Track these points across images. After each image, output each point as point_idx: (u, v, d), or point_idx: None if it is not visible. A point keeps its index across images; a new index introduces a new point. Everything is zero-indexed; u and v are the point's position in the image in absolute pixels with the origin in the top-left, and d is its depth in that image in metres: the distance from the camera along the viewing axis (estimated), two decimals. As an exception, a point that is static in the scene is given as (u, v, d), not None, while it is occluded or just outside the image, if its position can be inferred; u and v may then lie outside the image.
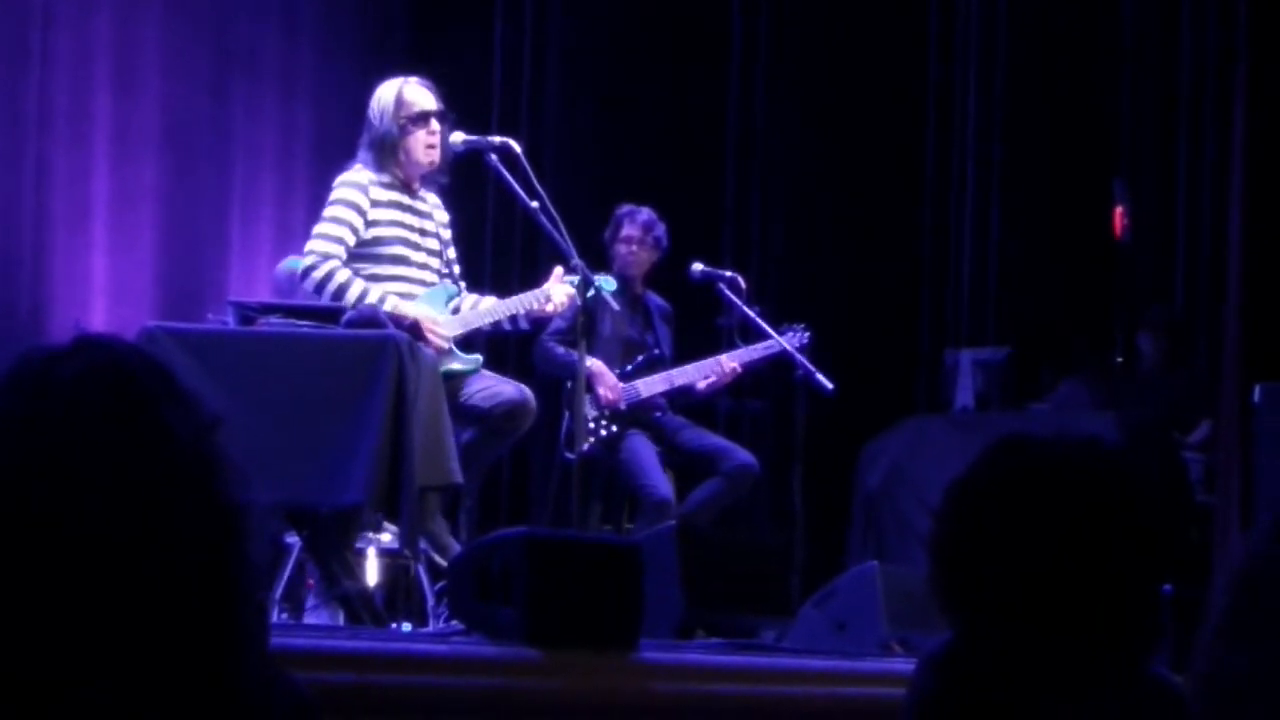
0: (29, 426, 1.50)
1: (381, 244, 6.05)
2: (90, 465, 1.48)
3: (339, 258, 5.96)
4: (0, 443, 1.50)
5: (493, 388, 6.01)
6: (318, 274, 5.92)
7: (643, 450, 7.27)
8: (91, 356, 1.54)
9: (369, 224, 6.03)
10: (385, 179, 6.10)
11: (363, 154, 6.14)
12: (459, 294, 6.17)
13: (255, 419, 5.04)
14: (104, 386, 1.52)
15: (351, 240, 6.00)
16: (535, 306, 6.21)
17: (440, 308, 6.01)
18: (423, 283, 6.11)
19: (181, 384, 1.57)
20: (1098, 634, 2.09)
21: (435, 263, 6.18)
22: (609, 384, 7.30)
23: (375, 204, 6.05)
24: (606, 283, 6.51)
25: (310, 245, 6.02)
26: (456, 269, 6.31)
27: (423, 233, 6.15)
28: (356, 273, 5.99)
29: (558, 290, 6.18)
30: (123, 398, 1.52)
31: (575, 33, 9.41)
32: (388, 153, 6.09)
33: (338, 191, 6.06)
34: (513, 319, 6.23)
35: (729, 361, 7.45)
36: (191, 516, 1.51)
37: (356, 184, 6.05)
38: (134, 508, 1.48)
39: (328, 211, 6.05)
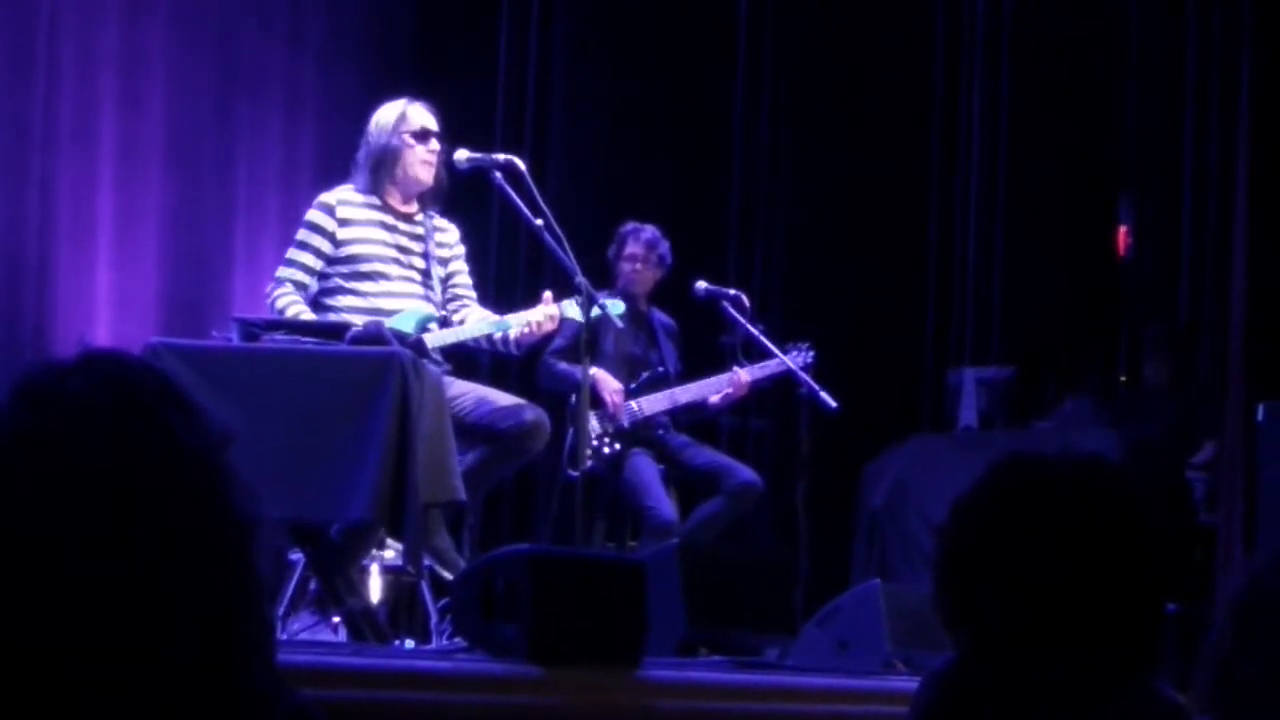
0: (38, 441, 1.50)
1: (357, 261, 6.09)
2: (100, 479, 1.49)
3: (298, 283, 6.06)
4: (9, 457, 1.50)
5: (508, 408, 6.00)
6: (269, 300, 6.07)
7: (646, 470, 7.26)
8: (100, 371, 1.55)
9: (340, 243, 6.08)
10: (369, 198, 6.15)
11: (355, 172, 6.19)
12: (435, 316, 6.12)
13: (259, 435, 5.04)
14: (113, 401, 1.53)
15: (315, 263, 6.08)
16: (522, 331, 6.10)
17: (409, 327, 5.96)
18: (409, 296, 6.12)
19: (190, 399, 1.57)
20: (1101, 652, 2.09)
21: (419, 279, 6.18)
22: (611, 389, 7.30)
23: (347, 222, 6.10)
24: (614, 305, 6.46)
25: (277, 271, 6.13)
26: (460, 284, 6.29)
27: (406, 251, 6.16)
28: (335, 289, 6.07)
29: (535, 312, 6.12)
30: (132, 412, 1.53)
31: (579, 51, 9.41)
32: (384, 168, 6.14)
33: (307, 215, 6.19)
34: (504, 341, 6.15)
35: (744, 375, 7.44)
36: (201, 531, 1.51)
37: (323, 205, 6.14)
38: (143, 522, 1.49)
39: (296, 236, 6.18)
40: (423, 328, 6.01)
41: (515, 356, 6.43)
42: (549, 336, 6.88)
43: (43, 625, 1.46)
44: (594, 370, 7.09)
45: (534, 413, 6.04)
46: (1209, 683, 1.95)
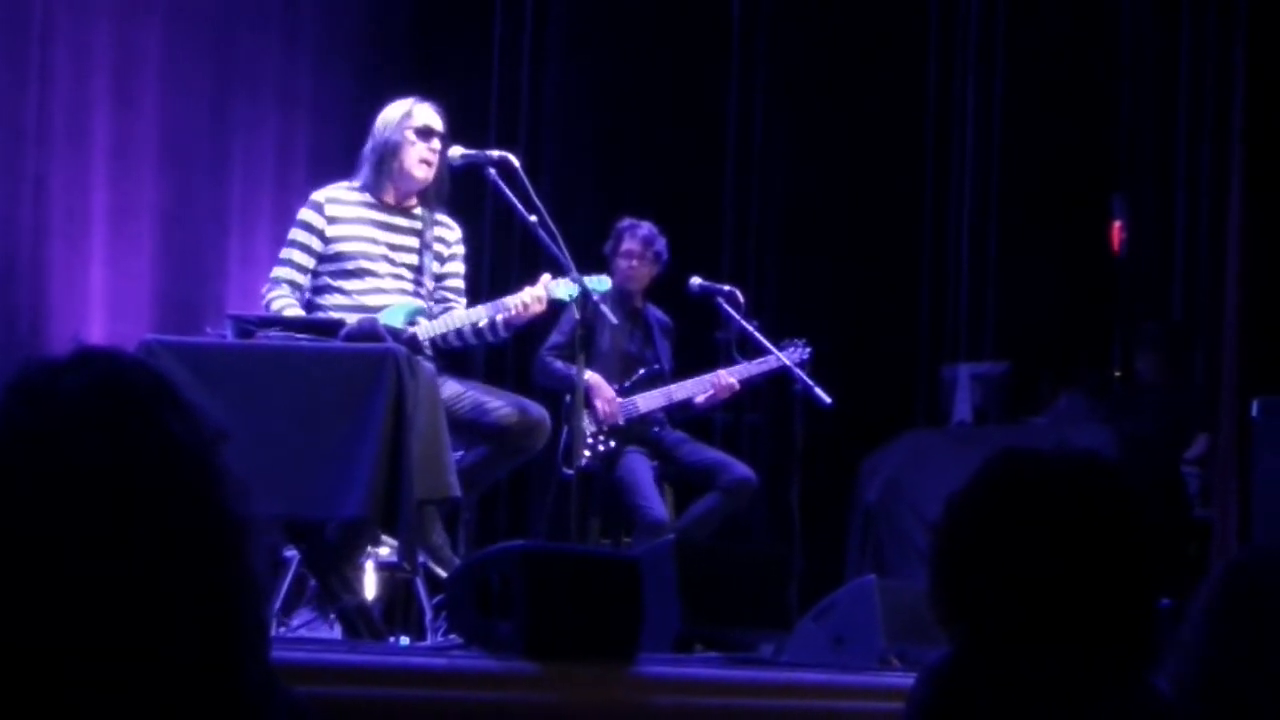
0: (35, 439, 1.51)
1: (345, 259, 6.09)
2: (96, 477, 1.49)
3: (292, 283, 6.06)
4: (6, 456, 1.50)
5: (510, 405, 6.00)
6: (264, 301, 6.08)
7: (639, 470, 7.26)
8: (95, 368, 1.55)
9: (330, 240, 6.08)
10: (364, 195, 6.14)
11: (359, 167, 6.20)
12: (423, 309, 6.11)
13: (254, 432, 5.04)
14: (109, 398, 1.53)
15: (307, 261, 6.09)
16: (509, 311, 6.08)
17: (399, 321, 5.97)
18: (398, 293, 6.11)
19: (185, 396, 1.57)
20: (1095, 647, 2.09)
21: (409, 276, 6.17)
22: (606, 397, 7.30)
23: (336, 220, 6.10)
24: (600, 283, 6.39)
25: (271, 272, 6.15)
26: (450, 286, 6.27)
27: (397, 248, 6.15)
28: (324, 288, 6.07)
29: (523, 293, 6.10)
30: (128, 409, 1.53)
31: (574, 48, 9.42)
32: (383, 163, 6.13)
33: (298, 214, 6.19)
34: (492, 328, 6.13)
35: (727, 377, 7.44)
36: (198, 529, 1.51)
37: (313, 204, 6.15)
38: (141, 520, 1.49)
39: (289, 235, 6.18)
40: (411, 320, 6.01)
41: (504, 339, 6.38)
42: (542, 324, 6.86)
43: (43, 625, 1.46)
44: (591, 376, 7.09)
45: (537, 411, 6.03)
46: (1184, 674, 1.95)
